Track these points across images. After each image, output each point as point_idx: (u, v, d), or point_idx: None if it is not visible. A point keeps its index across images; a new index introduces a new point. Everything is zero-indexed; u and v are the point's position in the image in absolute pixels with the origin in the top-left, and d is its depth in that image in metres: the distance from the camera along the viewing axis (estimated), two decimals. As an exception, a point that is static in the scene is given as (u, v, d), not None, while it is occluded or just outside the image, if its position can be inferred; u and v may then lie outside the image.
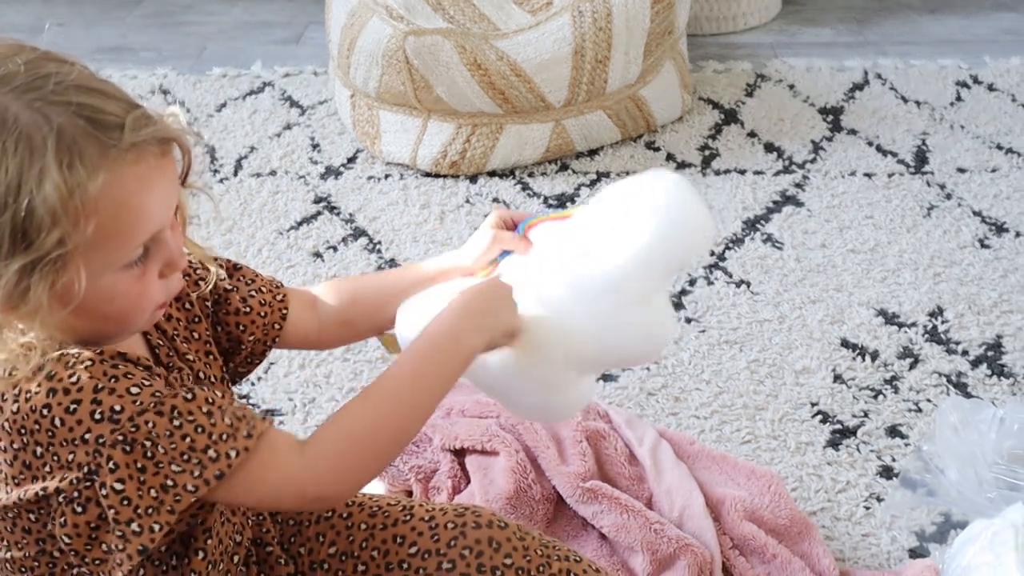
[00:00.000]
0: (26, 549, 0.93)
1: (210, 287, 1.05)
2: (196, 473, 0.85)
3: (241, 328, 1.08)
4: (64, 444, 0.85)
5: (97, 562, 0.89)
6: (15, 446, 0.87)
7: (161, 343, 0.99)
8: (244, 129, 2.48)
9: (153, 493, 0.85)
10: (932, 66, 2.69)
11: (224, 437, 0.86)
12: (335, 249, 2.05)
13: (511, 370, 1.00)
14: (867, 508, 1.45)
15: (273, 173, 2.31)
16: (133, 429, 0.84)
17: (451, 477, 1.39)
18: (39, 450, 0.86)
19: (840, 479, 1.49)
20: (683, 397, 1.65)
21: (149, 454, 0.85)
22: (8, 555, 0.95)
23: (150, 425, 0.84)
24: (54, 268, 0.82)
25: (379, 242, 2.07)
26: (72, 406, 0.84)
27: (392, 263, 2.00)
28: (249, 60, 2.82)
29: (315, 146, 2.41)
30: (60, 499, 0.88)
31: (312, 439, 0.89)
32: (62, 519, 0.88)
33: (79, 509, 0.87)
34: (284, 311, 1.10)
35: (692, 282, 1.92)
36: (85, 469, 0.85)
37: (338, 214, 2.16)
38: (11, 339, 0.85)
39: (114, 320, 0.89)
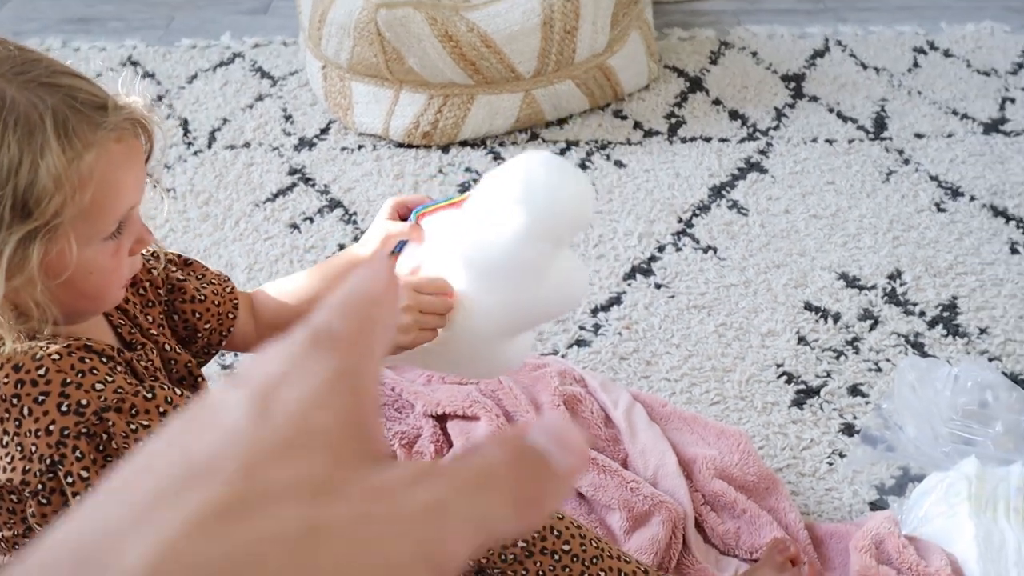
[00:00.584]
0: (15, 528, 0.98)
1: (161, 270, 1.11)
2: None
3: (197, 316, 1.12)
4: (28, 434, 0.90)
5: None
6: None
7: (123, 322, 1.04)
8: (216, 101, 2.50)
9: None
10: (890, 32, 2.76)
11: None
12: (311, 220, 2.09)
13: (435, 353, 1.07)
14: (830, 464, 1.53)
15: (247, 145, 2.34)
16: (96, 422, 0.90)
17: (434, 442, 1.45)
18: (5, 439, 0.91)
19: (804, 437, 1.57)
20: (654, 361, 1.72)
21: (107, 448, 0.90)
22: (0, 534, 1.01)
23: (110, 423, 0.90)
24: (51, 237, 0.86)
25: (355, 213, 2.11)
26: (41, 397, 0.89)
27: (368, 233, 2.04)
28: (218, 31, 2.83)
29: (288, 117, 2.44)
30: (26, 492, 0.92)
31: None
32: (31, 510, 0.93)
33: (44, 500, 0.92)
34: (235, 302, 1.16)
35: (661, 248, 1.98)
36: (48, 461, 0.90)
37: (313, 185, 2.20)
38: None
39: (90, 296, 0.93)
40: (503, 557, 1.19)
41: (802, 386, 1.67)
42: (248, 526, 0.24)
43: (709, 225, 2.05)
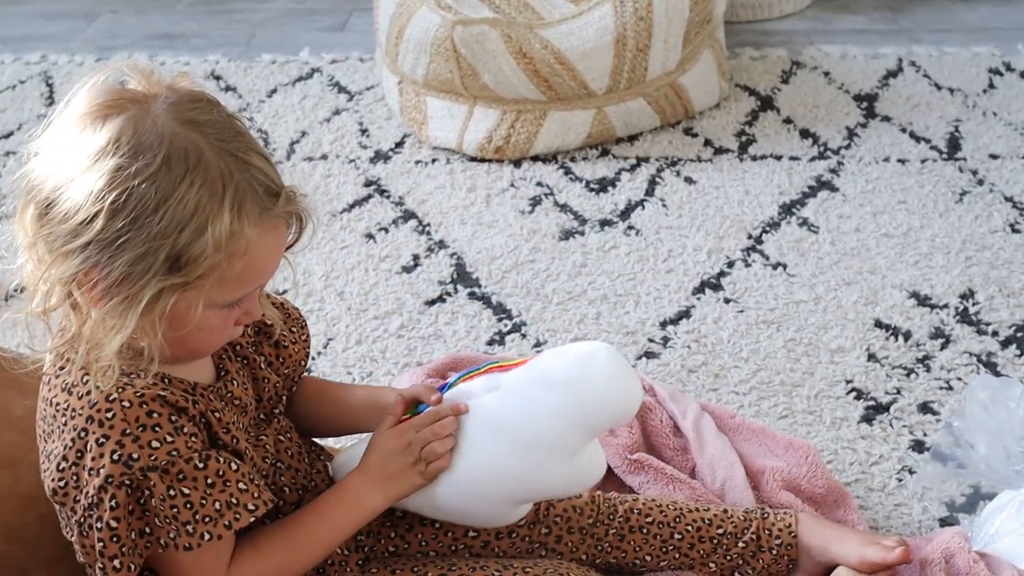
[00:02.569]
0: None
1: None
2: (172, 535, 0.96)
3: (281, 360, 1.17)
4: (84, 468, 0.96)
5: None
6: (58, 453, 0.99)
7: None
8: (295, 114, 2.57)
9: (133, 536, 0.96)
10: (965, 53, 2.74)
11: (206, 520, 0.97)
12: (386, 231, 2.14)
13: (439, 506, 1.15)
14: (899, 480, 1.52)
15: (324, 157, 2.40)
16: (141, 478, 0.95)
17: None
18: (63, 464, 0.98)
19: (874, 452, 1.57)
20: (722, 374, 1.73)
21: (144, 503, 0.96)
22: (73, 538, 1.06)
23: (152, 483, 0.95)
24: (185, 293, 0.93)
25: (428, 224, 2.16)
26: (102, 439, 0.95)
27: (441, 244, 2.08)
28: (296, 47, 2.91)
29: (364, 131, 2.49)
30: (73, 520, 0.98)
31: (237, 559, 1.03)
32: (72, 535, 1.00)
33: (84, 533, 0.98)
34: (307, 351, 1.20)
35: (730, 264, 2.00)
36: (92, 499, 0.95)
37: (388, 197, 2.25)
38: (109, 347, 0.94)
39: (190, 347, 1.00)
40: (598, 547, 1.26)
41: (872, 402, 1.67)
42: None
43: (779, 242, 2.06)
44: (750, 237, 2.07)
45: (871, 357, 1.76)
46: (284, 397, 1.18)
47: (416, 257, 2.05)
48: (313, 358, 1.80)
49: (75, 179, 0.91)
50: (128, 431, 0.95)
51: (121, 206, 0.90)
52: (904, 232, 2.07)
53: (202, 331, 0.98)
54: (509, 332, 1.85)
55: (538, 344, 1.82)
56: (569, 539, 1.25)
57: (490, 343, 1.83)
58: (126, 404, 0.95)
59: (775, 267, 1.99)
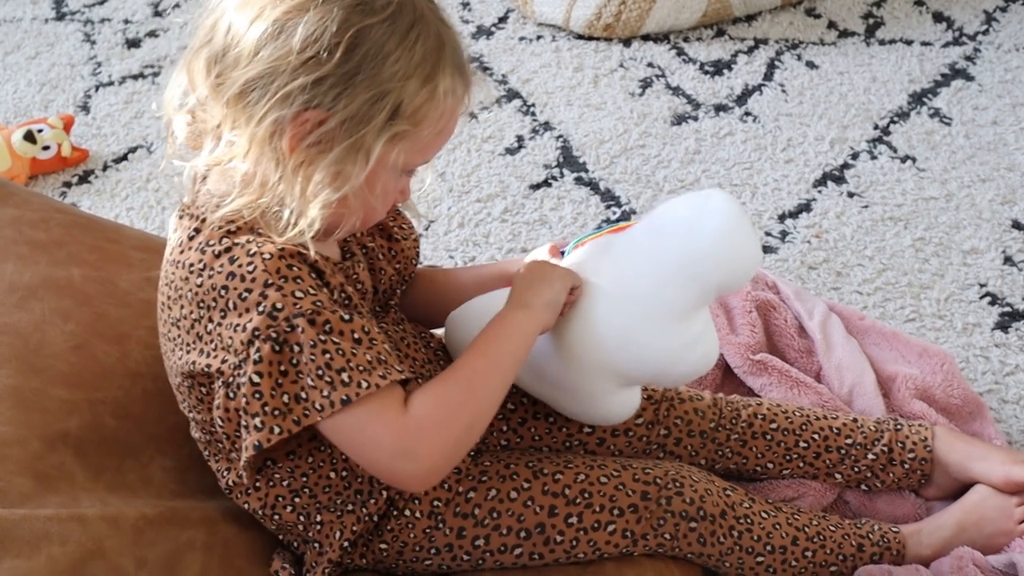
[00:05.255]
0: (203, 414, 1.00)
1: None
2: (325, 392, 0.88)
3: (393, 254, 1.11)
4: (228, 327, 0.90)
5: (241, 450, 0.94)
6: (193, 316, 0.94)
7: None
8: (394, -15, 2.46)
9: (285, 398, 0.89)
10: (1119, -68, 2.51)
11: (360, 368, 0.89)
12: (488, 110, 2.05)
13: (551, 371, 1.07)
14: (1036, 392, 1.43)
15: (425, 31, 2.30)
16: (287, 330, 0.88)
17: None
18: (210, 326, 0.92)
19: (1008, 362, 1.47)
20: (845, 272, 1.64)
21: (293, 361, 0.89)
22: (191, 415, 1.02)
23: (300, 331, 0.88)
24: (394, 145, 0.91)
25: (533, 104, 2.06)
26: (245, 293, 0.89)
27: (546, 126, 1.99)
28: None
29: (465, 4, 2.38)
30: (219, 382, 0.93)
31: (413, 405, 0.91)
32: (217, 400, 0.94)
33: (231, 395, 0.92)
34: (417, 248, 1.15)
35: (854, 155, 1.88)
36: (241, 356, 0.89)
37: (491, 75, 2.16)
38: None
39: (359, 210, 0.95)
40: (719, 453, 1.20)
41: (1007, 308, 1.56)
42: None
43: (908, 133, 1.93)
44: (876, 128, 1.94)
45: (1007, 260, 1.64)
46: (398, 291, 1.13)
47: (520, 139, 1.97)
48: (425, 219, 1.76)
49: (306, 11, 0.87)
50: (270, 281, 0.89)
51: (360, 42, 0.88)
52: (1046, 127, 1.92)
53: (378, 193, 0.95)
54: (617, 220, 1.77)
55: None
56: (689, 442, 1.19)
57: (598, 230, 1.75)
58: (266, 256, 0.90)
59: (903, 160, 1.86)
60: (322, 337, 0.89)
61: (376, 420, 0.90)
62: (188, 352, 0.96)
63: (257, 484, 1.02)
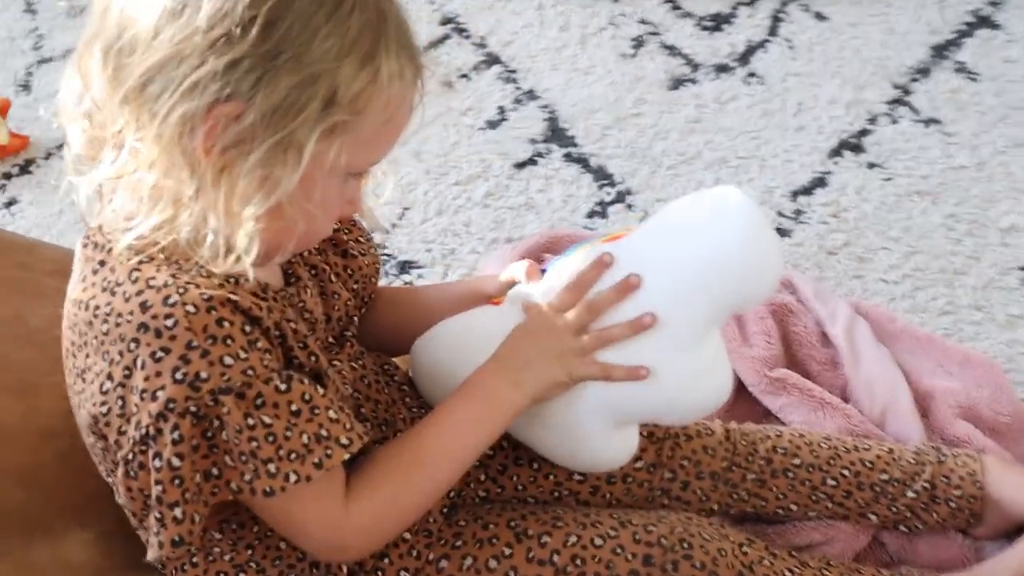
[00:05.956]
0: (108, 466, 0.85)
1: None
2: (247, 478, 0.75)
3: (349, 272, 0.96)
4: (134, 391, 0.74)
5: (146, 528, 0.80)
6: (96, 368, 0.78)
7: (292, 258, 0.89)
8: (361, -61, 2.26)
9: (198, 479, 0.75)
10: None
11: (292, 456, 0.75)
12: (467, 77, 1.86)
13: (534, 408, 0.89)
14: (1092, 396, 1.26)
15: (395, -10, 2.10)
16: (210, 404, 0.73)
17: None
18: (107, 384, 0.77)
19: (1059, 361, 1.30)
20: (868, 257, 1.46)
21: (209, 434, 0.74)
22: (110, 479, 0.87)
23: (225, 410, 0.73)
24: (331, 138, 0.75)
25: (514, 70, 1.87)
26: (159, 353, 0.73)
27: (531, 95, 1.80)
28: None
29: (439, -42, 2.18)
30: (118, 456, 0.77)
31: (354, 496, 0.80)
32: (118, 475, 0.79)
33: (131, 473, 0.77)
34: (378, 266, 1.00)
35: (872, 120, 1.69)
36: (144, 431, 0.74)
37: (468, 37, 1.96)
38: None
39: (299, 225, 0.78)
40: (734, 496, 1.04)
41: (1054, 296, 1.39)
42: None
43: (931, 92, 1.74)
44: (896, 87, 1.75)
45: (1051, 238, 1.47)
46: (355, 318, 0.97)
47: (502, 110, 1.78)
48: (387, 232, 1.57)
49: None
50: (194, 343, 0.73)
51: (282, 15, 0.72)
52: (1085, 80, 1.73)
53: (319, 202, 0.78)
54: (612, 202, 1.59)
55: (645, 217, 1.56)
56: (698, 486, 1.03)
57: (590, 215, 1.57)
58: (191, 309, 0.73)
59: (927, 124, 1.68)
60: (250, 421, 0.74)
61: (305, 511, 0.78)
62: (93, 406, 0.79)
63: (194, 560, 0.86)
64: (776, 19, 1.93)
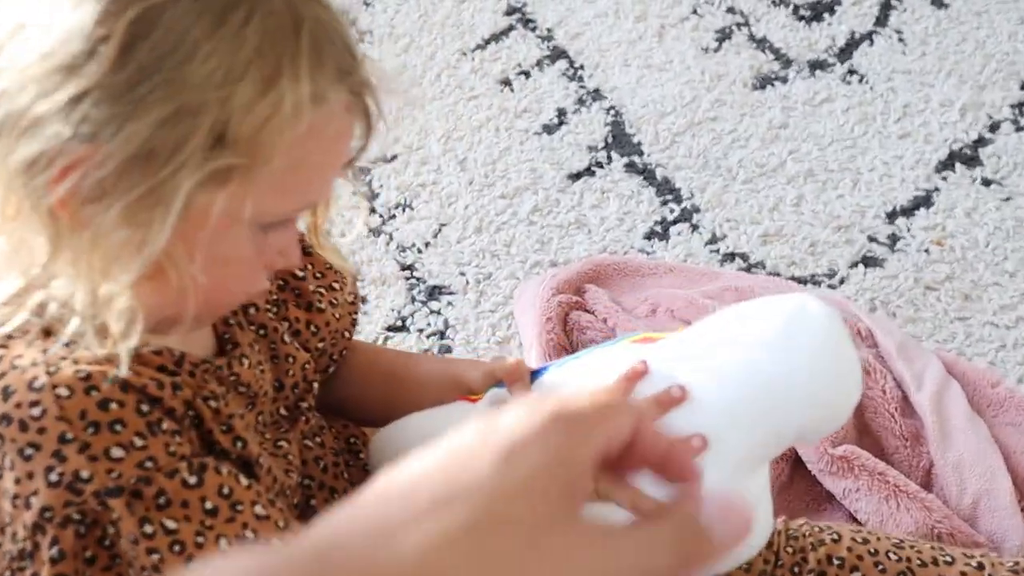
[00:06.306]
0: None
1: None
2: None
3: (312, 329, 0.79)
4: (5, 495, 0.59)
5: None
6: None
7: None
8: (429, -79, 2.10)
9: None
10: None
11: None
12: (527, 75, 1.68)
13: None
14: None
15: (460, -23, 1.93)
16: (97, 508, 0.58)
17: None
18: None
19: None
20: (976, 295, 1.25)
21: (109, 545, 0.59)
22: None
23: (115, 516, 0.58)
24: (218, 187, 0.59)
25: (581, 66, 1.68)
26: (28, 450, 0.58)
27: (596, 95, 1.61)
28: None
29: (511, -58, 2.00)
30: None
31: None
32: None
33: None
34: (355, 316, 0.84)
35: (993, 127, 1.47)
36: (22, 544, 0.59)
37: (534, 29, 1.77)
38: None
39: (193, 291, 0.62)
40: None
41: None
42: (486, 541, 0.38)
43: (1066, 94, 1.48)
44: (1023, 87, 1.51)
45: None
46: (315, 383, 0.80)
47: (562, 113, 1.59)
48: (420, 250, 1.41)
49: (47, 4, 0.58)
50: (69, 436, 0.59)
51: (145, 32, 0.57)
52: None
53: (230, 263, 0.63)
54: (675, 221, 1.40)
55: (713, 240, 1.36)
56: None
57: (648, 236, 1.39)
58: (62, 392, 0.59)
59: (1060, 132, 1.43)
60: (147, 529, 0.59)
61: None
62: None
63: None
64: (887, 6, 1.69)
